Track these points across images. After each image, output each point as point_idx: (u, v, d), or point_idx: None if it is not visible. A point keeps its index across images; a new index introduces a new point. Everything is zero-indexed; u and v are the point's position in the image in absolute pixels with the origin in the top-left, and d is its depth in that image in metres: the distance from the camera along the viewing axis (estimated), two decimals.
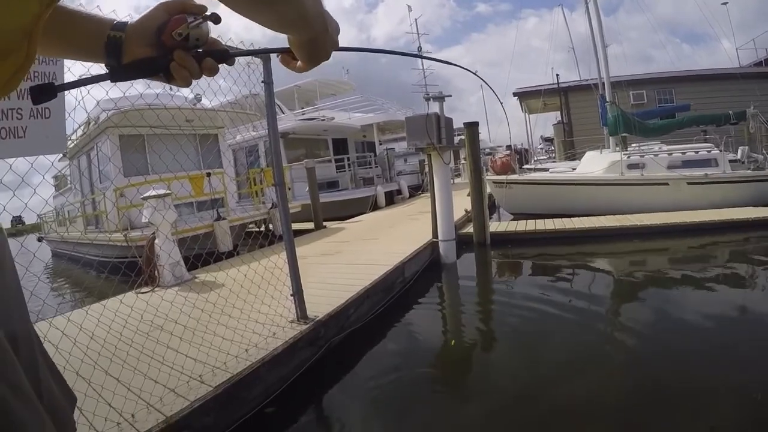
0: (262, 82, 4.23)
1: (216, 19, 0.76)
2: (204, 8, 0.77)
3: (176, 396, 3.16)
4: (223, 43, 0.84)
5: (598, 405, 3.26)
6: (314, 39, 0.83)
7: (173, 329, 4.16)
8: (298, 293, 4.43)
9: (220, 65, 0.81)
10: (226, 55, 0.82)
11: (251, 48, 2.95)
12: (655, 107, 19.07)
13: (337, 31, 0.88)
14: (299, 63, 0.90)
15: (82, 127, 11.95)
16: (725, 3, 26.92)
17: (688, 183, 10.26)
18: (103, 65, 0.78)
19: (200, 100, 9.91)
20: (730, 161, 10.46)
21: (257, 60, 4.24)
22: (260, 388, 3.59)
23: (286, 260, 4.42)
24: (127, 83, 3.43)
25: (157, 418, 2.90)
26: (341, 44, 0.92)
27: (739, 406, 3.05)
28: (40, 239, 17.66)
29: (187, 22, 0.74)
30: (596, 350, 4.22)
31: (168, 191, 7.05)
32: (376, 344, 4.76)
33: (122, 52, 0.77)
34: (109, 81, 0.79)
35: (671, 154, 11.09)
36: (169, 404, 3.05)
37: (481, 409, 3.39)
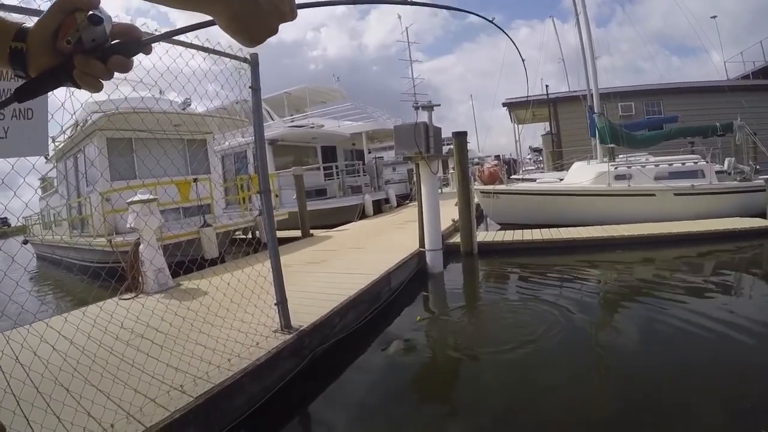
0: (249, 87, 4.21)
1: (95, 20, 0.66)
2: (96, 2, 0.67)
3: (156, 406, 3.10)
4: (139, 27, 0.72)
5: (583, 416, 3.25)
6: (235, 16, 0.67)
7: (155, 337, 4.11)
8: (282, 303, 4.38)
9: (141, 55, 0.72)
10: (137, 46, 0.71)
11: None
12: (643, 119, 19.26)
13: None
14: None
15: (69, 130, 11.82)
16: (714, 17, 27.34)
17: (675, 194, 10.36)
18: None
19: (189, 105, 9.88)
20: (717, 172, 10.59)
21: (246, 65, 4.23)
22: (243, 398, 3.54)
23: (271, 269, 4.38)
24: (112, 85, 3.43)
25: (136, 428, 2.85)
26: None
27: (724, 415, 3.08)
28: (25, 242, 17.47)
29: (77, 23, 0.66)
30: (582, 360, 4.23)
31: (153, 197, 6.97)
32: (361, 354, 4.72)
33: (27, 64, 0.69)
34: (16, 102, 0.72)
35: (658, 165, 11.22)
36: (149, 414, 3.00)
37: (467, 421, 3.37)
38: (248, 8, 0.66)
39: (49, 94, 2.61)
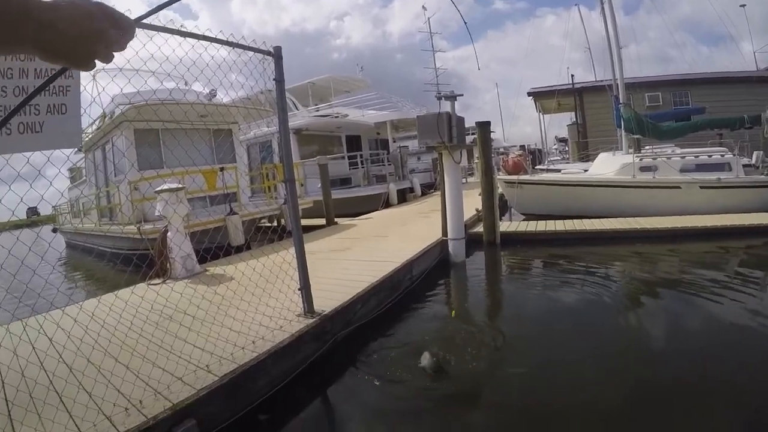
0: (274, 80, 4.29)
1: None
2: None
3: (183, 384, 3.22)
4: None
5: (603, 405, 3.28)
6: (39, 47, 0.65)
7: (182, 320, 4.24)
8: (305, 288, 4.48)
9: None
10: None
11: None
12: (670, 109, 18.92)
13: (90, 16, 0.67)
14: None
15: (97, 121, 12.09)
16: (743, 5, 26.58)
17: (701, 187, 10.14)
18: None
19: (215, 95, 10.01)
20: (744, 166, 10.33)
21: (270, 57, 4.29)
22: (266, 379, 3.65)
23: (295, 255, 4.48)
24: (142, 79, 3.53)
25: (164, 404, 2.96)
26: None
27: (742, 409, 3.07)
28: (54, 230, 17.94)
29: None
30: (604, 352, 4.21)
31: (181, 185, 7.13)
32: (382, 340, 4.79)
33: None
34: None
35: (684, 157, 10.99)
36: (176, 392, 3.12)
37: (486, 409, 3.42)
38: (47, 36, 0.64)
39: (81, 89, 2.73)
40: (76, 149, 12.24)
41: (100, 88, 3.28)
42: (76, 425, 2.75)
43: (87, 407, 2.90)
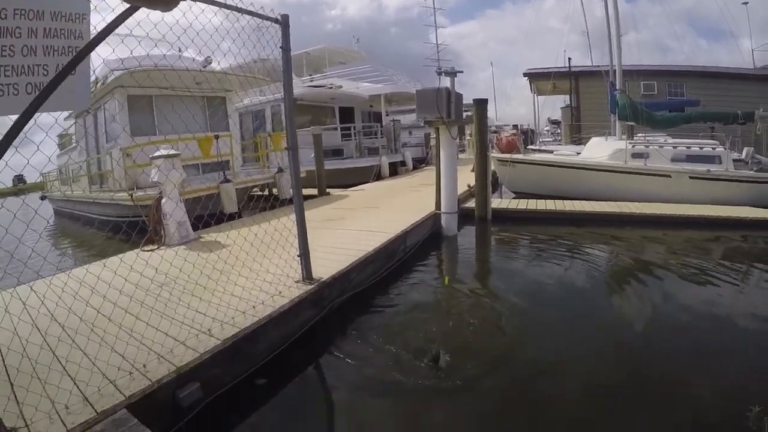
0: (280, 47, 4.26)
1: None
2: None
3: (186, 348, 3.26)
4: None
5: (587, 387, 3.39)
6: None
7: (184, 286, 4.29)
8: (304, 255, 4.54)
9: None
10: None
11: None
12: (665, 99, 18.95)
13: None
14: None
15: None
16: (745, 3, 26.48)
17: (690, 177, 10.25)
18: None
19: (210, 63, 9.88)
20: (734, 160, 10.40)
21: (266, 23, 4.23)
22: (265, 343, 3.72)
23: (295, 222, 4.51)
24: (135, 42, 3.43)
25: (168, 368, 3.00)
26: None
27: (721, 396, 3.19)
28: (43, 197, 17.73)
29: None
30: (586, 331, 4.37)
31: (176, 152, 7.09)
32: (378, 307, 4.91)
33: None
34: None
35: (676, 147, 11.04)
36: (179, 355, 3.16)
37: (472, 377, 3.48)
38: None
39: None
40: (66, 114, 12.10)
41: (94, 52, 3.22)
42: (80, 390, 2.77)
43: (91, 372, 2.93)
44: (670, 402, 3.08)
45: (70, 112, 12.88)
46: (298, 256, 4.54)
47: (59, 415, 2.56)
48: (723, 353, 3.80)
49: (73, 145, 15.44)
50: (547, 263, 6.48)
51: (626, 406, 3.12)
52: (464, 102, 8.90)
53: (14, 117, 2.69)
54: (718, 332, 4.23)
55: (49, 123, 2.99)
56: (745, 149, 10.83)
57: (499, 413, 3.18)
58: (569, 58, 23.12)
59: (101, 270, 4.02)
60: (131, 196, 8.42)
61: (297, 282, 4.51)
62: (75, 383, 2.84)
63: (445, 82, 7.92)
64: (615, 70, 13.68)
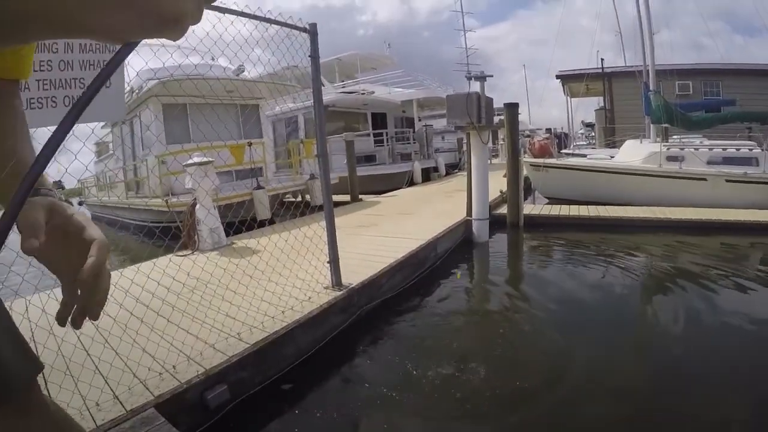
0: (309, 56, 4.30)
1: None
2: None
3: (215, 351, 3.30)
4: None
5: (619, 393, 3.29)
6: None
7: (215, 290, 4.36)
8: (334, 261, 4.55)
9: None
10: None
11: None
12: (700, 99, 18.49)
13: None
14: None
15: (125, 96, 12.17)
16: None
17: (727, 180, 9.91)
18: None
19: (243, 71, 10.04)
20: None
21: (296, 32, 4.28)
22: (293, 348, 3.73)
23: (325, 229, 4.53)
24: (168, 54, 3.49)
25: (196, 370, 3.04)
26: None
27: (745, 409, 3.02)
28: (80, 203, 18.31)
29: None
30: (621, 341, 4.23)
31: (209, 159, 7.21)
32: (406, 315, 4.85)
33: None
34: None
35: (711, 149, 10.69)
36: (208, 358, 3.20)
37: (505, 387, 3.41)
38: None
39: (126, 63, 2.78)
40: (102, 123, 12.42)
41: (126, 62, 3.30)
42: (111, 388, 2.83)
43: (122, 371, 2.99)
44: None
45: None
46: (328, 262, 4.55)
47: (90, 412, 2.61)
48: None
49: (110, 152, 15.87)
50: (582, 271, 6.30)
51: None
52: (495, 106, 8.82)
53: (53, 128, 2.81)
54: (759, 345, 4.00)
55: (86, 133, 3.09)
56: None
57: None
58: (602, 59, 22.81)
59: (135, 274, 4.10)
60: (166, 202, 8.60)
61: (326, 288, 4.53)
62: (106, 382, 2.90)
63: (475, 86, 7.85)
64: (648, 70, 13.41)
